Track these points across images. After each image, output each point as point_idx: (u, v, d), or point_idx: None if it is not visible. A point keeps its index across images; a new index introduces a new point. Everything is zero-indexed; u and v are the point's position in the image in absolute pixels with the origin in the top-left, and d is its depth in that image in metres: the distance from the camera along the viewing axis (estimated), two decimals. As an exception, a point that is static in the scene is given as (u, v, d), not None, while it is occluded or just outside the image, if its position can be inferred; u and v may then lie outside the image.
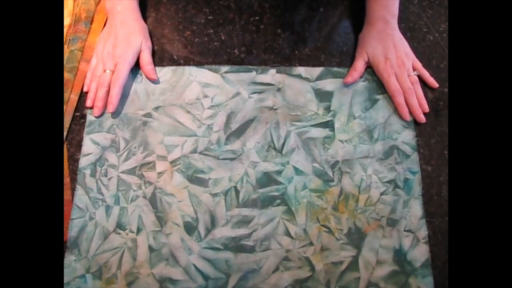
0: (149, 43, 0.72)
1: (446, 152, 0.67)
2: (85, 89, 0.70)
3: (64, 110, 0.68)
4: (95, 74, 0.69)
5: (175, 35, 0.74)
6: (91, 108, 0.68)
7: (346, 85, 0.70)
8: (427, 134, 0.68)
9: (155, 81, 0.70)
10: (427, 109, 0.68)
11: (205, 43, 0.74)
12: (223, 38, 0.74)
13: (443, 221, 0.63)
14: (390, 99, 0.69)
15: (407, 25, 0.75)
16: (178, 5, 0.77)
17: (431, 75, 0.71)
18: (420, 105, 0.68)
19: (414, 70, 0.70)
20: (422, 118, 0.67)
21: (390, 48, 0.69)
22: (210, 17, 0.76)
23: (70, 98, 0.69)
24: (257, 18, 0.76)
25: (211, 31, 0.74)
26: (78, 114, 0.68)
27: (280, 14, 0.76)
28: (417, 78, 0.69)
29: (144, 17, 0.74)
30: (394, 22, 0.70)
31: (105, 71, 0.68)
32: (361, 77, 0.70)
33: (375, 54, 0.69)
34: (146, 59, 0.70)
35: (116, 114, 0.68)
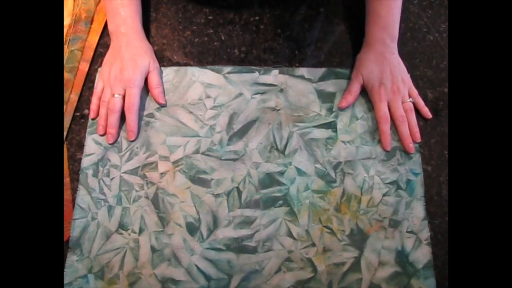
0: (157, 64, 0.70)
1: (446, 152, 0.67)
2: (92, 116, 0.68)
3: (64, 110, 0.67)
4: (103, 100, 0.67)
5: (175, 35, 0.74)
6: (103, 135, 0.66)
7: (341, 109, 0.69)
8: (427, 134, 0.68)
9: (163, 105, 0.69)
10: (418, 139, 0.67)
11: (205, 43, 0.74)
12: (223, 38, 0.74)
13: (443, 221, 0.64)
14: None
15: (407, 25, 0.75)
16: (178, 5, 0.76)
17: (431, 75, 0.71)
18: (411, 133, 0.67)
19: (410, 97, 0.68)
20: (411, 148, 0.66)
21: (386, 72, 0.67)
22: (210, 17, 0.75)
23: (70, 98, 0.68)
24: (257, 18, 0.76)
25: (211, 31, 0.74)
26: (78, 114, 0.68)
27: (280, 14, 0.76)
28: (411, 105, 0.68)
29: (144, 17, 0.74)
30: (394, 45, 0.68)
31: (113, 95, 0.66)
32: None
33: (370, 77, 0.67)
34: (155, 81, 0.68)
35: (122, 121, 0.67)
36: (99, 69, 0.71)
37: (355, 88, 0.68)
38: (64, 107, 0.67)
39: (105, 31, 0.74)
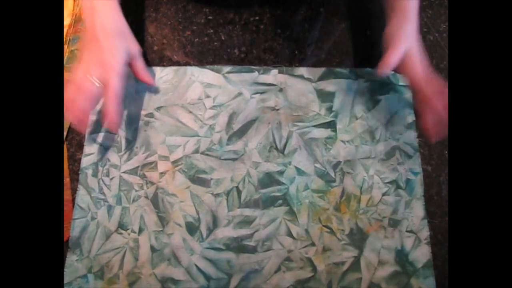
0: (137, 47, 0.64)
1: (446, 152, 0.67)
2: (65, 105, 0.59)
3: (65, 110, 0.67)
4: (82, 87, 0.59)
5: (175, 35, 0.74)
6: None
7: (380, 75, 0.65)
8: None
9: (152, 86, 0.68)
10: None
11: (205, 43, 0.74)
12: (223, 38, 0.74)
13: (443, 221, 0.64)
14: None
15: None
16: (178, 5, 0.76)
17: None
18: None
19: None
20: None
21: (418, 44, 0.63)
22: (210, 17, 0.75)
23: (71, 98, 0.68)
24: (257, 18, 0.75)
25: (211, 31, 0.74)
26: (78, 114, 0.68)
27: (280, 14, 0.76)
28: None
29: (144, 17, 0.74)
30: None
31: (90, 78, 0.59)
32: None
33: (412, 51, 0.63)
34: (137, 65, 0.65)
35: None
36: None
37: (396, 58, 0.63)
38: (64, 107, 0.67)
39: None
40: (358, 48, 0.73)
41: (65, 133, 0.66)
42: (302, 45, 0.73)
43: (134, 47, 0.64)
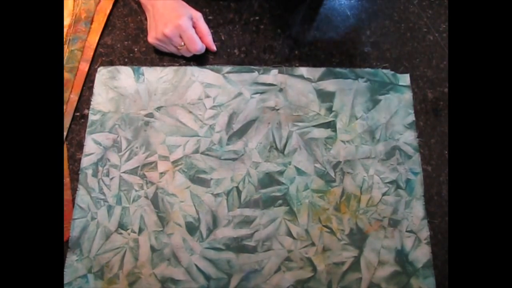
0: (198, 13, 0.71)
1: (446, 152, 0.67)
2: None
3: (64, 110, 0.67)
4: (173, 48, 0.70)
5: (175, 35, 0.74)
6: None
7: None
8: (427, 134, 0.68)
9: (212, 49, 0.72)
10: None
11: (206, 43, 0.74)
12: (223, 38, 0.74)
13: (443, 221, 0.63)
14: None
15: (407, 25, 0.75)
16: (179, 5, 0.76)
17: (431, 75, 0.71)
18: None
19: None
20: None
21: None
22: (210, 17, 0.75)
23: (70, 98, 0.68)
24: (257, 18, 0.76)
25: (211, 31, 0.74)
26: (78, 114, 0.68)
27: (280, 14, 0.76)
28: None
29: (144, 17, 0.74)
30: None
31: (178, 48, 0.69)
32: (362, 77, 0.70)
33: None
34: (204, 28, 0.71)
35: (118, 113, 0.68)
36: (98, 69, 0.71)
37: None
38: (64, 107, 0.67)
39: (105, 31, 0.74)
40: (358, 48, 0.73)
41: (65, 133, 0.66)
42: (302, 45, 0.73)
43: (195, 12, 0.71)
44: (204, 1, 0.76)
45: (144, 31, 0.73)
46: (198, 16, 0.70)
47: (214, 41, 0.73)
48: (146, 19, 0.74)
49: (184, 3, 0.70)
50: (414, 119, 0.68)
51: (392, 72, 0.71)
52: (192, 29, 0.68)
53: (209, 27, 0.74)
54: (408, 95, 0.70)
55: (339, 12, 0.76)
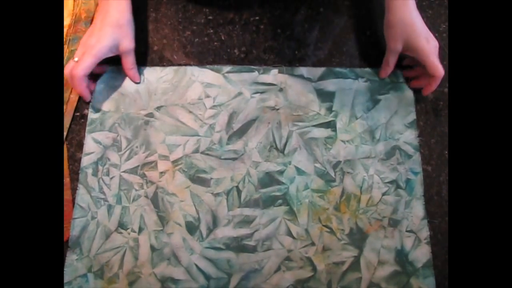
0: (132, 44, 0.67)
1: (446, 152, 0.67)
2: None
3: (64, 110, 0.67)
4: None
5: (175, 35, 0.74)
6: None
7: (381, 78, 0.71)
8: (427, 134, 0.68)
9: (138, 83, 0.69)
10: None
11: (205, 43, 0.74)
12: (223, 38, 0.74)
13: (443, 221, 0.64)
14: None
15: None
16: (178, 5, 0.76)
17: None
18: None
19: None
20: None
21: (424, 28, 0.66)
22: (210, 17, 0.75)
23: (70, 98, 0.68)
24: (257, 18, 0.76)
25: (211, 31, 0.74)
26: (78, 114, 0.68)
27: (280, 14, 0.76)
28: None
29: (144, 17, 0.74)
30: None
31: (73, 59, 0.64)
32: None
33: (411, 37, 0.65)
34: (129, 62, 0.68)
35: (118, 113, 0.68)
36: None
37: (394, 59, 0.68)
38: (64, 107, 0.67)
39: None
40: (358, 48, 0.73)
41: (65, 133, 0.66)
42: (302, 45, 0.73)
43: (127, 42, 0.66)
44: (204, 1, 0.76)
45: (144, 31, 0.73)
46: (128, 48, 0.67)
47: (214, 41, 0.73)
48: (146, 19, 0.74)
49: (123, 27, 0.66)
50: (415, 117, 0.68)
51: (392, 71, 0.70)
52: (92, 60, 0.63)
53: (209, 27, 0.74)
54: (409, 93, 0.70)
55: (339, 12, 0.76)
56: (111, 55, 0.66)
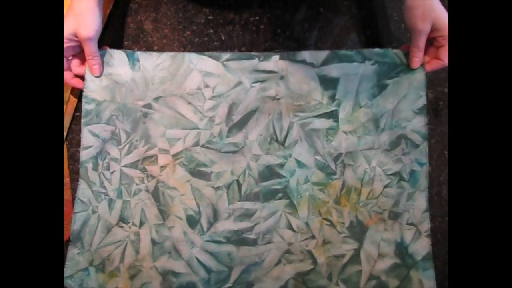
0: (88, 33, 0.63)
1: (446, 152, 0.67)
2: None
3: (64, 110, 0.67)
4: None
5: (175, 35, 0.73)
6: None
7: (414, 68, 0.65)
8: (427, 134, 0.67)
9: (98, 76, 0.66)
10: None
11: (205, 43, 0.73)
12: (223, 38, 0.73)
13: (443, 221, 0.64)
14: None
15: (407, 25, 0.74)
16: (178, 5, 0.75)
17: (431, 75, 0.70)
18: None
19: None
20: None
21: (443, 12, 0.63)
22: (210, 17, 0.74)
23: (70, 98, 0.68)
24: (257, 18, 0.74)
25: (211, 31, 0.73)
26: (78, 114, 0.68)
27: (280, 14, 0.75)
28: None
29: (144, 17, 0.74)
30: None
31: None
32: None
33: (439, 20, 0.63)
34: (86, 52, 0.64)
35: (114, 103, 0.66)
36: None
37: (424, 41, 0.64)
38: (64, 107, 0.67)
39: (105, 31, 0.73)
40: (358, 48, 0.72)
41: (65, 133, 0.66)
42: (302, 45, 0.72)
43: (85, 31, 0.62)
44: (204, 1, 0.76)
45: (144, 31, 0.73)
46: (82, 35, 0.63)
47: (214, 41, 0.72)
48: (146, 19, 0.74)
49: (80, 16, 0.63)
50: (425, 102, 0.65)
51: (405, 51, 0.66)
52: None
53: (209, 27, 0.73)
54: (420, 75, 0.65)
55: (339, 12, 0.76)
56: (73, 44, 0.63)
